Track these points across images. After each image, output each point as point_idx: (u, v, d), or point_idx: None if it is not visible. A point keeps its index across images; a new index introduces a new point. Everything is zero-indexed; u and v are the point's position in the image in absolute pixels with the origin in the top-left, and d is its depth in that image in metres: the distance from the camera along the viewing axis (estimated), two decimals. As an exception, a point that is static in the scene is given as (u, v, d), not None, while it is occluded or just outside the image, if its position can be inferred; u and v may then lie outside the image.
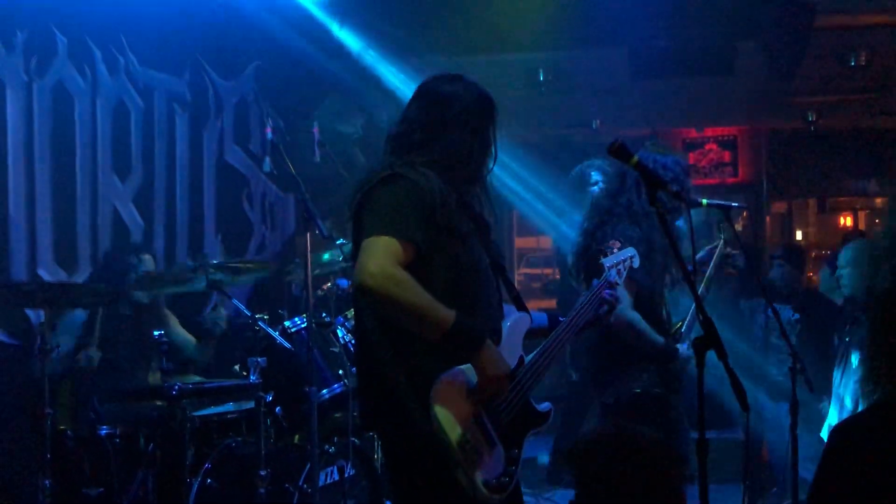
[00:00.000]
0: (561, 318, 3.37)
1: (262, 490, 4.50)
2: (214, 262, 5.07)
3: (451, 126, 3.07)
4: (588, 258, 4.21)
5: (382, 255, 2.80)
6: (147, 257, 5.28)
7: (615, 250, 3.63)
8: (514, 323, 3.15)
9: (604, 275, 3.48)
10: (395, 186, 2.93)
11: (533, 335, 3.27)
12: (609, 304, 3.45)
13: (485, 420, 2.91)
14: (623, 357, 4.28)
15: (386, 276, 2.77)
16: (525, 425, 3.09)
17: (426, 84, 3.20)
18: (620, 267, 3.59)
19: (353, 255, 2.97)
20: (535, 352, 3.17)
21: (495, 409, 2.95)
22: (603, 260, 3.53)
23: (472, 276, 3.02)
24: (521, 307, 3.23)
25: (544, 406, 3.18)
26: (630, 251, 3.70)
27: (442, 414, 2.81)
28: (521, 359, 3.11)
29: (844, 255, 5.45)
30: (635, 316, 4.17)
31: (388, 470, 3.11)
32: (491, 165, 3.17)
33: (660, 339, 4.24)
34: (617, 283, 3.54)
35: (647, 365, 4.28)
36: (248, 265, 5.43)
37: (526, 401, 3.10)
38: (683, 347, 4.27)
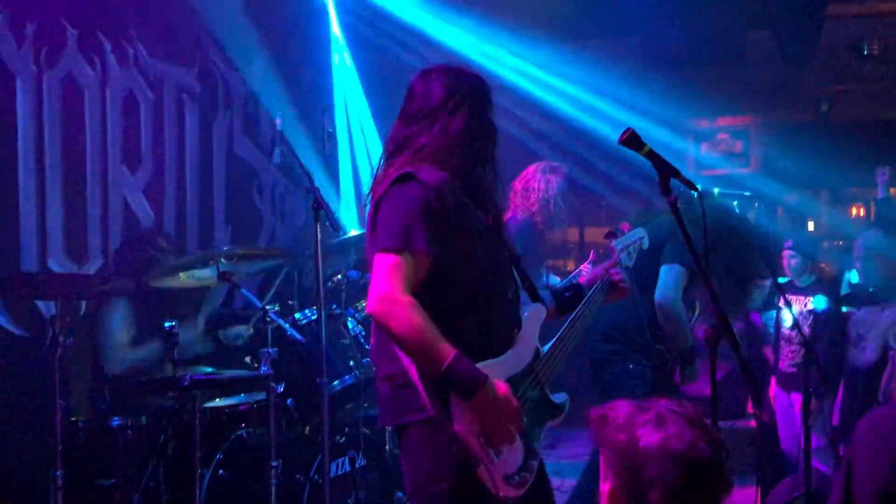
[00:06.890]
0: (566, 294, 3.32)
1: (273, 481, 4.50)
2: (225, 248, 5.07)
3: (448, 114, 3.01)
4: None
5: (392, 279, 2.77)
6: (163, 244, 5.31)
7: (625, 232, 3.56)
8: (528, 315, 3.10)
9: (614, 258, 3.43)
10: (405, 190, 2.87)
11: (549, 318, 3.22)
12: (620, 288, 3.39)
13: None
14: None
15: (392, 303, 2.75)
16: (542, 417, 3.06)
17: (416, 80, 3.13)
18: (630, 249, 3.52)
19: (369, 260, 2.93)
20: (550, 342, 3.13)
21: None
22: (614, 242, 3.48)
23: (491, 272, 2.99)
24: (535, 297, 3.19)
25: (559, 397, 3.14)
26: (639, 233, 3.60)
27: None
28: (538, 350, 3.08)
29: (861, 245, 5.41)
30: (682, 308, 4.10)
31: (406, 466, 3.02)
32: (494, 145, 3.10)
33: (691, 338, 4.18)
34: (628, 266, 3.48)
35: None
36: (258, 252, 5.43)
37: (543, 393, 3.07)
38: None
